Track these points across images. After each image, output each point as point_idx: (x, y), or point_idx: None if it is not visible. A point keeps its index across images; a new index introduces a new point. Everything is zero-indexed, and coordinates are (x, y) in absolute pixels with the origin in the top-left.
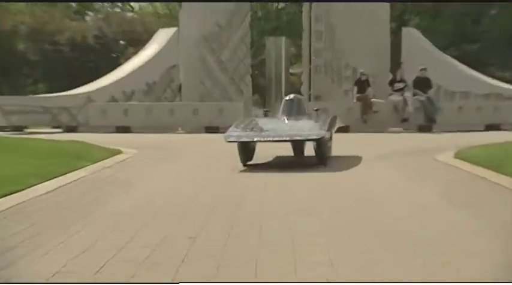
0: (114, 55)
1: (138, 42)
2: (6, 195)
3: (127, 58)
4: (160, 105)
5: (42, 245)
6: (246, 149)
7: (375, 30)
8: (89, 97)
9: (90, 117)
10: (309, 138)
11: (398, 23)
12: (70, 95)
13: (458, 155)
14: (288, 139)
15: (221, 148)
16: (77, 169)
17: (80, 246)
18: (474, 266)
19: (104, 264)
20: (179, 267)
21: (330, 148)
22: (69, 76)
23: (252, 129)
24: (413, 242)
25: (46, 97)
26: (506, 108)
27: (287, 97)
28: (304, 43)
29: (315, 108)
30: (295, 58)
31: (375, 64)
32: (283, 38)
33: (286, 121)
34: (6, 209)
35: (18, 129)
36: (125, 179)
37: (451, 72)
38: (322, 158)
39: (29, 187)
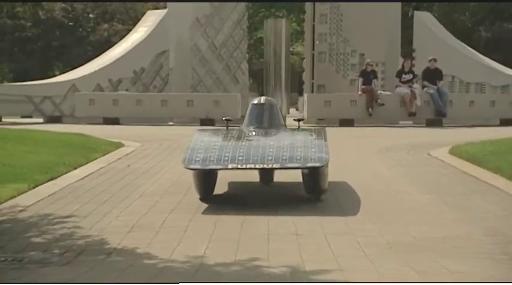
0: (82, 32)
1: (113, 17)
2: (47, 181)
3: (99, 36)
4: (152, 96)
5: (111, 211)
6: (208, 178)
7: (385, 12)
8: (73, 86)
9: (76, 107)
10: (309, 165)
11: (416, 3)
12: (53, 83)
13: (452, 151)
14: (278, 166)
15: None
16: (92, 160)
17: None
18: None
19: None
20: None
21: (327, 176)
22: (29, 56)
23: (221, 148)
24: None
25: (26, 85)
26: None
27: (255, 101)
28: (307, 25)
29: (296, 118)
30: (296, 35)
31: (384, 51)
32: (284, 20)
33: (259, 134)
34: (59, 189)
35: None
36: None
37: (466, 61)
38: (317, 191)
39: (60, 175)
